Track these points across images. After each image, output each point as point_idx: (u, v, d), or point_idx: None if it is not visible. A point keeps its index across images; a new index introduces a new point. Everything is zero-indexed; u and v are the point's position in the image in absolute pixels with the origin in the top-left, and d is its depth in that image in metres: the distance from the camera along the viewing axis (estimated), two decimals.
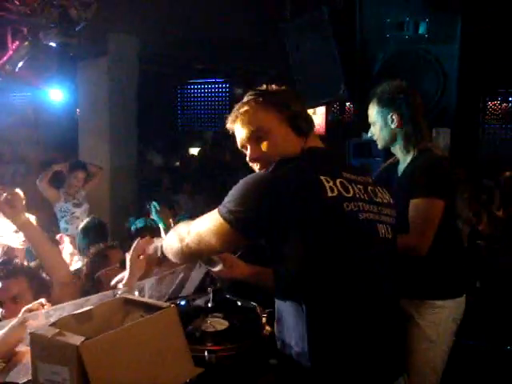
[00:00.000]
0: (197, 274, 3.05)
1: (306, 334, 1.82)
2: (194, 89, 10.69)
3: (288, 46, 5.25)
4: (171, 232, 2.12)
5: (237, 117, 2.07)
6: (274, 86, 2.12)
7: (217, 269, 2.28)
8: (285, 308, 1.93)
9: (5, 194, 2.90)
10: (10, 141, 8.54)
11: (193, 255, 2.06)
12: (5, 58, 5.99)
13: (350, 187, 1.89)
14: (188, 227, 1.99)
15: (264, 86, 2.13)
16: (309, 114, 2.08)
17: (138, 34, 7.32)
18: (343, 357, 1.83)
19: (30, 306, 2.28)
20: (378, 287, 1.93)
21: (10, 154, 8.18)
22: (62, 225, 6.53)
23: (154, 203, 3.62)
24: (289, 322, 1.90)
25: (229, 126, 2.11)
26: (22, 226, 2.98)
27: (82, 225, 5.17)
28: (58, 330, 1.57)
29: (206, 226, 1.91)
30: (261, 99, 2.03)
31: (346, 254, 1.83)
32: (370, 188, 1.99)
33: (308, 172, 1.85)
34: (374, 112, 3.09)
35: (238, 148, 2.17)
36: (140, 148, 7.84)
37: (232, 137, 2.17)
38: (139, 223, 5.06)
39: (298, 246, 1.80)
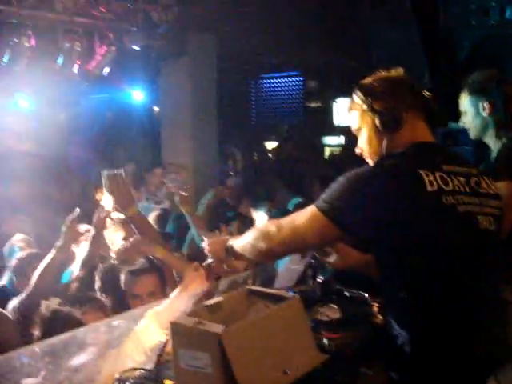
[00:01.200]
0: (298, 267, 3.13)
1: (409, 323, 1.87)
2: (268, 83, 10.78)
3: (368, 37, 5.26)
4: (252, 232, 2.10)
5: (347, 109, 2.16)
6: (372, 79, 2.13)
7: (331, 259, 2.35)
8: (389, 298, 1.98)
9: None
10: (95, 143, 8.89)
11: (284, 252, 2.08)
12: (93, 63, 6.26)
13: (449, 180, 1.90)
14: (277, 225, 1.99)
15: (367, 80, 2.14)
16: (398, 109, 2.00)
17: (216, 32, 7.48)
18: (447, 347, 1.85)
19: None
20: (479, 276, 1.94)
21: (95, 156, 8.51)
22: None
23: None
24: (393, 312, 1.95)
25: None
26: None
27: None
28: (197, 320, 1.69)
29: (301, 219, 1.93)
30: (356, 95, 2.07)
31: (445, 247, 1.85)
32: (473, 179, 2.00)
33: (408, 167, 1.89)
34: (465, 101, 3.09)
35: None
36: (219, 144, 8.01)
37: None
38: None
39: (395, 241, 1.84)
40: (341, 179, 1.91)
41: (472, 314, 1.90)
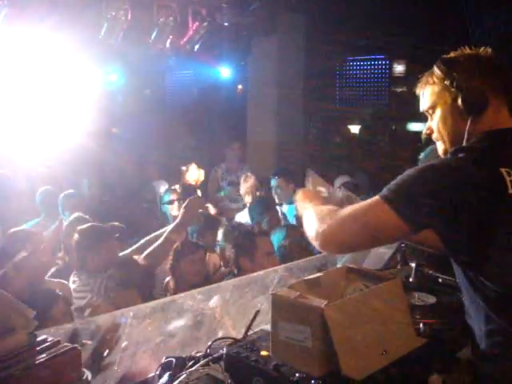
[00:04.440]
0: (386, 250, 3.11)
1: (484, 327, 1.77)
2: (353, 66, 10.61)
3: (468, 21, 5.09)
4: (315, 216, 1.90)
5: (420, 85, 1.96)
6: (458, 53, 1.88)
7: None
8: (465, 294, 1.90)
9: None
10: (181, 118, 9.04)
11: (341, 239, 1.83)
12: (185, 39, 6.36)
13: None
14: (336, 210, 1.84)
15: (452, 54, 1.92)
16: (484, 90, 1.80)
17: (305, 12, 7.45)
18: None
19: None
20: None
21: (182, 130, 8.66)
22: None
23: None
24: (470, 310, 1.85)
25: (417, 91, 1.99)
26: None
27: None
28: (299, 293, 1.70)
29: (363, 208, 1.78)
30: (438, 67, 1.86)
31: None
32: None
33: (487, 165, 1.70)
34: None
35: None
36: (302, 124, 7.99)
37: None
38: None
39: (465, 246, 1.70)
40: (411, 170, 1.75)
41: None
